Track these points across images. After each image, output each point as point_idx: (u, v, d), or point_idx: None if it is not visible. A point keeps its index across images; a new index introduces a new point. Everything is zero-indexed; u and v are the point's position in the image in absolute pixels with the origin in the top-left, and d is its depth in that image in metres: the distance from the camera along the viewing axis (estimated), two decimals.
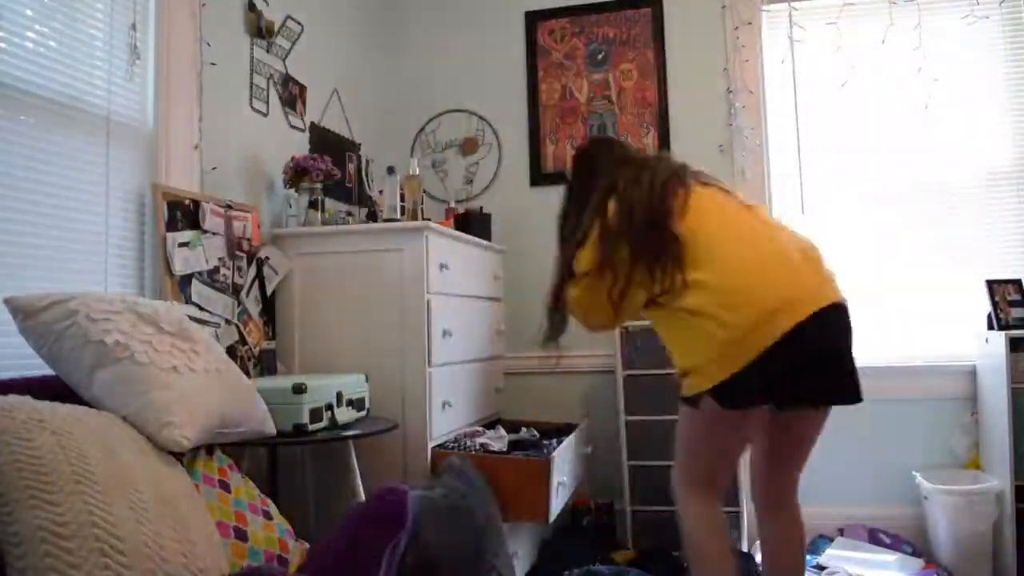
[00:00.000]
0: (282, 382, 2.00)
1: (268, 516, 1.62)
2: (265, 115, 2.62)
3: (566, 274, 2.00)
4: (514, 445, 2.64)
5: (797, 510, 1.96)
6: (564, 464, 2.55)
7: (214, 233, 2.24)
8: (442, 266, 2.50)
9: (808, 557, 2.77)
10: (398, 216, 2.56)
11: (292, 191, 2.58)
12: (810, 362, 1.71)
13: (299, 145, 2.81)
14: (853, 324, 1.80)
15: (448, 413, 2.52)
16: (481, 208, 3.19)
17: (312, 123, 2.91)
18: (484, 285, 3.01)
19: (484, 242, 3.02)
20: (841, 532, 2.98)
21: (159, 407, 1.42)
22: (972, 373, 2.99)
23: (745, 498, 2.88)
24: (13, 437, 1.13)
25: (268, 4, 2.64)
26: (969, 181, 3.10)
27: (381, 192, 2.74)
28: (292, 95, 2.78)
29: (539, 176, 3.48)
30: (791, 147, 3.27)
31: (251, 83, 2.54)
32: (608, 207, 1.88)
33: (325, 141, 2.98)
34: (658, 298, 1.80)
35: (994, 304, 2.84)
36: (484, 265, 3.04)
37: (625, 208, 1.85)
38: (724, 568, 1.84)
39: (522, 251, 3.31)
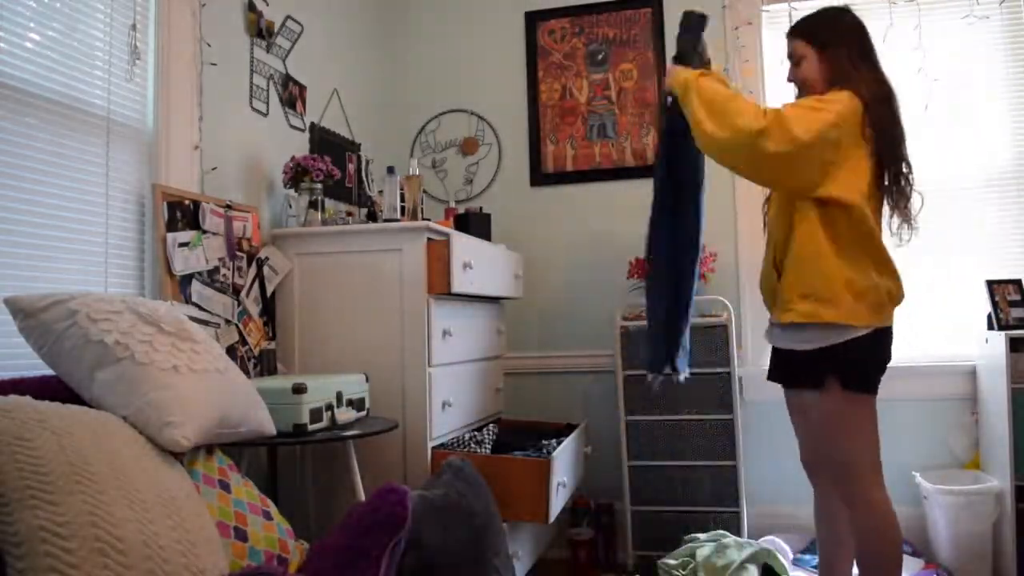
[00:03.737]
0: (282, 382, 2.00)
1: (268, 516, 1.62)
2: (265, 115, 2.62)
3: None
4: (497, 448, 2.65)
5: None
6: (564, 464, 2.55)
7: (214, 233, 2.24)
8: (465, 265, 2.50)
9: (808, 557, 2.77)
10: (398, 216, 2.56)
11: (292, 191, 2.58)
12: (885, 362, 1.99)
13: (299, 145, 2.81)
14: None
15: (448, 413, 2.52)
16: (481, 208, 3.19)
17: (312, 123, 2.91)
18: (507, 285, 3.02)
19: (499, 244, 3.03)
20: None
21: (159, 407, 1.42)
22: (972, 373, 2.99)
23: (744, 498, 2.89)
24: (13, 437, 1.13)
25: (268, 4, 2.64)
26: (969, 181, 3.10)
27: (381, 192, 2.73)
28: (292, 95, 2.78)
29: (539, 176, 3.48)
30: None
31: (251, 83, 2.54)
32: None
33: (325, 141, 2.98)
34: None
35: (994, 304, 2.84)
36: (509, 264, 3.05)
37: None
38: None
39: (522, 251, 3.31)
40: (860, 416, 1.95)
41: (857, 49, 2.03)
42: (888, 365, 2.00)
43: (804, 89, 2.10)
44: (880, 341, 1.95)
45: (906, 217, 2.02)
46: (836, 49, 2.02)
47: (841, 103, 1.90)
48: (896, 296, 1.98)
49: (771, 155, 1.86)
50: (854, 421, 1.95)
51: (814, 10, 2.16)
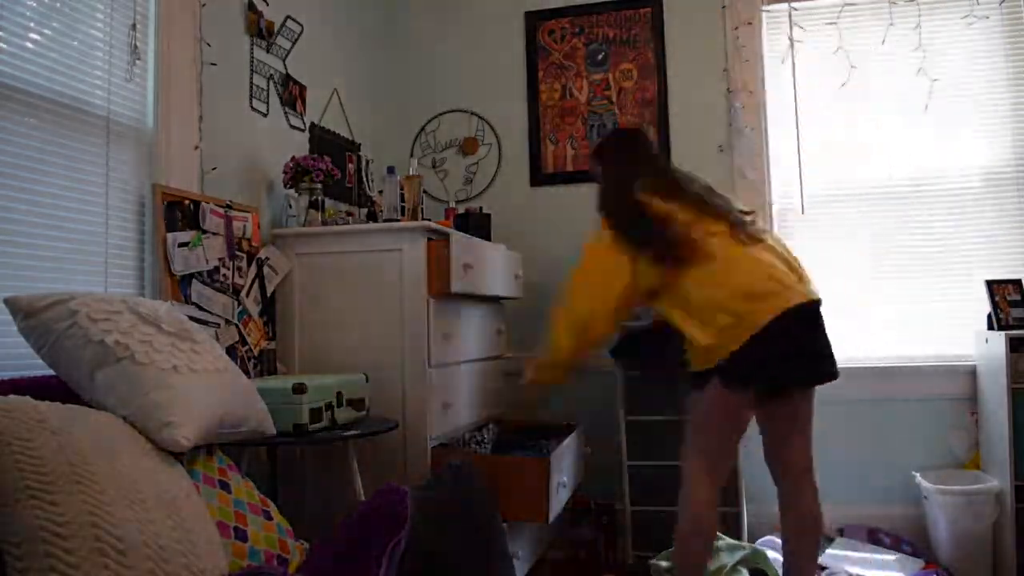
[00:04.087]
0: (282, 382, 2.00)
1: (268, 516, 1.62)
2: (265, 115, 2.62)
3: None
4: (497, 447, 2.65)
5: (814, 490, 2.16)
6: (564, 464, 2.55)
7: (214, 233, 2.24)
8: (465, 265, 2.50)
9: None
10: (398, 216, 2.56)
11: (292, 191, 2.58)
12: (799, 344, 2.01)
13: (299, 145, 2.81)
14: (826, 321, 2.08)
15: (448, 413, 2.52)
16: (481, 208, 3.19)
17: (312, 123, 2.91)
18: (507, 285, 3.01)
19: (499, 244, 3.03)
20: (841, 532, 2.98)
21: (159, 407, 1.42)
22: (972, 373, 2.99)
23: (745, 499, 2.89)
24: (13, 437, 1.13)
25: (268, 4, 2.64)
26: (969, 181, 3.10)
27: (381, 192, 2.74)
28: (292, 95, 2.78)
29: (539, 176, 3.48)
30: (791, 147, 3.27)
31: (251, 83, 2.54)
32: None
33: (325, 141, 2.98)
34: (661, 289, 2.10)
35: (994, 304, 2.84)
36: (509, 264, 3.05)
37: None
38: (706, 556, 2.14)
39: (522, 251, 3.31)
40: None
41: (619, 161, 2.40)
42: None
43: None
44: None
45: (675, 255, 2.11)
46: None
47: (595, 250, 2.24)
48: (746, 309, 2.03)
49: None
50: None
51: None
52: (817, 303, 2.05)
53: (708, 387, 2.03)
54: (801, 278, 2.09)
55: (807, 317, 2.03)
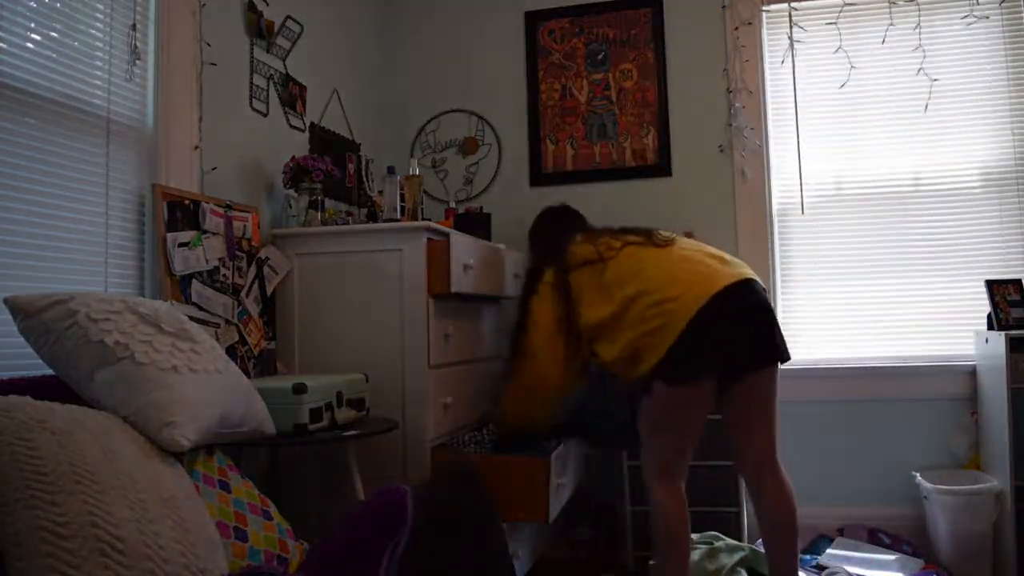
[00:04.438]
0: (282, 382, 2.00)
1: (268, 516, 1.62)
2: (265, 115, 2.62)
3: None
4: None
5: (781, 472, 2.17)
6: (564, 464, 2.55)
7: (214, 233, 2.24)
8: (465, 265, 2.50)
9: (808, 557, 2.77)
10: (398, 216, 2.56)
11: (292, 191, 2.58)
12: (734, 327, 2.01)
13: (299, 145, 2.81)
14: (768, 299, 2.13)
15: (448, 413, 2.52)
16: (481, 208, 3.19)
17: (312, 123, 2.91)
18: (507, 285, 3.01)
19: (499, 244, 3.02)
20: (841, 532, 2.98)
21: (159, 407, 1.42)
22: (972, 373, 2.99)
23: (745, 498, 2.89)
24: (13, 437, 1.13)
25: (268, 4, 2.64)
26: (969, 181, 3.10)
27: (381, 192, 2.73)
28: (292, 95, 2.78)
29: (539, 176, 3.48)
30: (791, 147, 3.27)
31: (251, 83, 2.54)
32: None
33: (325, 141, 2.98)
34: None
35: (994, 304, 2.84)
36: (509, 265, 3.05)
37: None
38: (686, 545, 2.18)
39: (522, 251, 3.31)
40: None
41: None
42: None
43: None
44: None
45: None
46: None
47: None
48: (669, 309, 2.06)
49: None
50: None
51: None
52: (749, 281, 2.05)
53: (652, 391, 2.07)
54: (725, 262, 2.10)
55: (740, 298, 2.01)
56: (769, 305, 2.10)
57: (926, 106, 3.11)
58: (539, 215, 2.70)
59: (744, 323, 2.03)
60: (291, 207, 2.59)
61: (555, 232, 2.48)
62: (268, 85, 2.64)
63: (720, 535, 2.71)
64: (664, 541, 2.15)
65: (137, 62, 2.07)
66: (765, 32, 3.31)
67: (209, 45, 2.31)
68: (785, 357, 2.09)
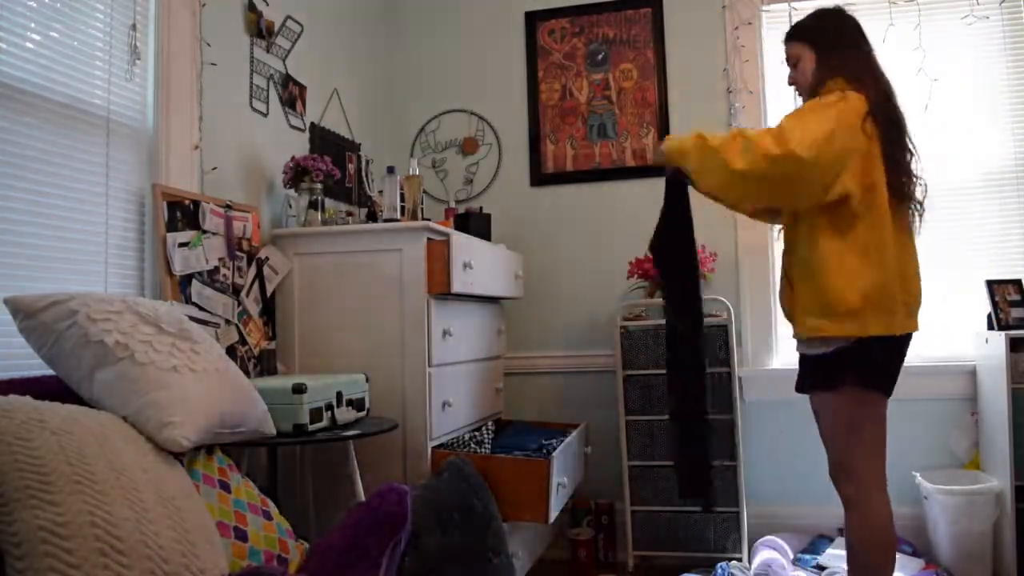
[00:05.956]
0: (282, 382, 2.00)
1: (268, 516, 1.62)
2: (265, 115, 2.62)
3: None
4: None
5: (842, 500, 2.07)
6: (564, 464, 2.55)
7: (214, 233, 2.24)
8: (465, 265, 2.50)
9: (808, 557, 2.77)
10: (398, 216, 2.56)
11: (292, 191, 2.58)
12: (900, 360, 2.00)
13: (299, 145, 2.81)
14: None
15: (448, 413, 2.52)
16: (481, 208, 3.19)
17: (312, 123, 2.91)
18: (507, 285, 3.02)
19: (499, 244, 3.03)
20: (841, 532, 2.97)
21: (159, 407, 1.42)
22: (972, 373, 2.99)
23: (744, 498, 2.89)
24: (13, 437, 1.13)
25: (268, 4, 2.64)
26: (969, 181, 3.10)
27: (381, 192, 2.73)
28: (292, 95, 2.78)
29: (539, 176, 3.48)
30: None
31: (251, 83, 2.54)
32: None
33: (325, 141, 2.98)
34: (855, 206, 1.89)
35: (994, 304, 2.84)
36: (509, 265, 3.05)
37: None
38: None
39: (522, 251, 3.31)
40: (864, 415, 1.95)
41: (856, 47, 2.05)
42: (899, 370, 2.01)
43: (804, 92, 2.12)
44: (888, 347, 1.94)
45: (916, 207, 2.02)
46: (834, 50, 2.04)
47: (838, 104, 1.91)
48: (908, 302, 1.96)
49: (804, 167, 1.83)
50: (858, 420, 1.95)
51: (810, 11, 2.17)
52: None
53: (844, 391, 1.93)
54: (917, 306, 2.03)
55: (909, 341, 2.01)
56: None
57: (926, 106, 3.11)
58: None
59: (901, 361, 2.02)
60: (291, 207, 2.59)
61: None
62: (268, 85, 2.64)
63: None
64: (880, 561, 1.96)
65: (137, 62, 2.07)
66: (765, 32, 3.31)
67: (209, 45, 2.31)
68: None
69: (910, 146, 2.01)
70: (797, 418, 3.05)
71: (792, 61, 2.14)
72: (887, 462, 2.01)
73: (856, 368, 1.92)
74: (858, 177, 1.88)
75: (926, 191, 2.04)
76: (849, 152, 1.87)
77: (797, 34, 2.12)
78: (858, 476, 1.97)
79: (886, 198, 1.92)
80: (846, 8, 2.15)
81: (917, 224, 2.05)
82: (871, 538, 1.95)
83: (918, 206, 2.03)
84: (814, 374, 2.01)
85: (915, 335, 2.02)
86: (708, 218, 3.25)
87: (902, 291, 1.93)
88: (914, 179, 2.01)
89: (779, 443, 3.11)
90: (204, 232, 2.19)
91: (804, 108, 1.99)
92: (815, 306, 1.93)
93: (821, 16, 2.12)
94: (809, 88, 2.08)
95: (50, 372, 1.50)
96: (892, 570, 1.97)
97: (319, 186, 2.56)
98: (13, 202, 1.70)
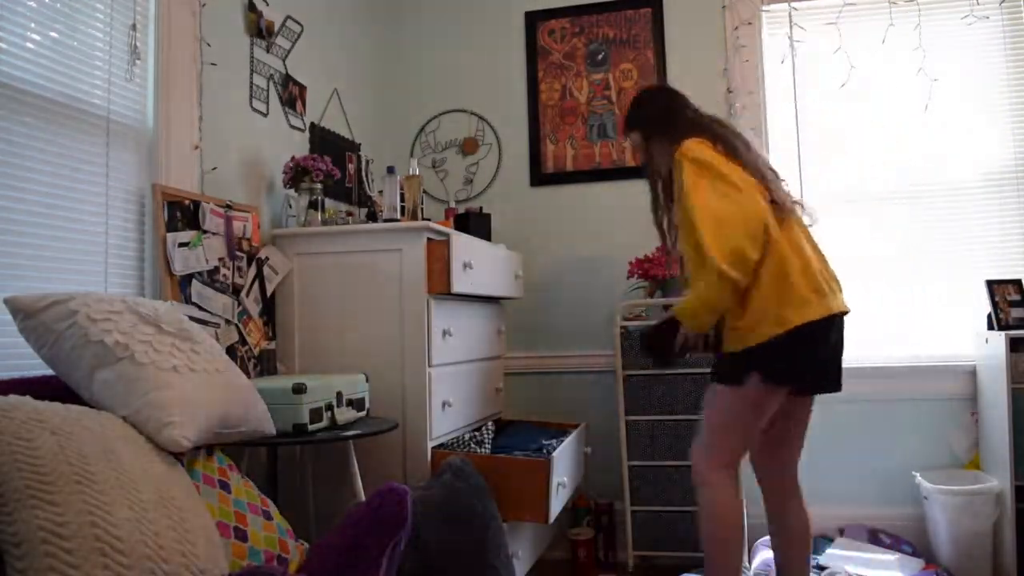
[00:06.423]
0: (282, 382, 2.00)
1: (268, 516, 1.62)
2: (265, 115, 2.62)
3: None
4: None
5: (801, 493, 2.21)
6: (564, 464, 2.55)
7: (214, 233, 2.24)
8: (465, 265, 2.51)
9: None
10: (398, 216, 2.56)
11: (292, 191, 2.58)
12: (829, 354, 2.05)
13: (299, 145, 2.81)
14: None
15: (448, 413, 2.52)
16: (481, 208, 3.19)
17: (312, 123, 2.91)
18: (507, 285, 3.02)
19: (499, 244, 3.03)
20: (841, 532, 2.98)
21: (159, 407, 1.42)
22: (972, 373, 2.99)
23: (744, 499, 2.88)
24: (13, 437, 1.13)
25: (268, 4, 2.64)
26: (969, 181, 3.10)
27: (381, 192, 2.74)
28: (292, 95, 2.78)
29: (539, 176, 3.48)
30: (791, 147, 3.27)
31: (251, 83, 2.54)
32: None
33: (325, 141, 2.98)
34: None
35: (994, 304, 2.84)
36: (509, 265, 3.05)
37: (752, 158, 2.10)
38: (740, 554, 2.10)
39: (522, 251, 3.31)
40: (756, 409, 2.05)
41: (671, 114, 2.23)
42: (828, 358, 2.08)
43: (655, 172, 2.28)
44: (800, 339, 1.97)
45: (784, 201, 2.10)
46: (656, 124, 2.23)
47: (702, 180, 2.00)
48: (818, 288, 2.01)
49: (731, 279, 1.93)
50: (745, 412, 2.06)
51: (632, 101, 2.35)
52: (844, 314, 2.08)
53: (745, 386, 1.99)
54: (838, 286, 2.11)
55: (839, 328, 2.06)
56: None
57: (926, 106, 3.11)
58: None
59: (834, 351, 2.07)
60: (291, 207, 2.59)
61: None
62: (268, 85, 2.64)
63: None
64: (719, 540, 2.05)
65: (137, 62, 2.07)
66: (765, 32, 3.31)
67: (209, 45, 2.31)
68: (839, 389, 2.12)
69: (763, 154, 2.17)
70: None
71: (636, 151, 2.34)
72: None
73: (761, 366, 1.99)
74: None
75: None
76: (755, 209, 1.96)
77: (629, 126, 2.32)
78: (718, 454, 2.09)
79: (773, 222, 1.99)
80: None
81: (801, 209, 2.16)
82: (720, 513, 2.06)
83: (800, 207, 2.16)
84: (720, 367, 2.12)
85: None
86: None
87: (807, 286, 1.97)
88: (782, 181, 2.15)
89: None
90: (204, 232, 2.19)
91: (696, 214, 1.99)
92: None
93: (637, 101, 2.33)
94: (664, 168, 2.21)
95: (50, 372, 1.50)
96: (742, 547, 2.15)
97: (319, 186, 2.56)
98: (13, 202, 1.70)
